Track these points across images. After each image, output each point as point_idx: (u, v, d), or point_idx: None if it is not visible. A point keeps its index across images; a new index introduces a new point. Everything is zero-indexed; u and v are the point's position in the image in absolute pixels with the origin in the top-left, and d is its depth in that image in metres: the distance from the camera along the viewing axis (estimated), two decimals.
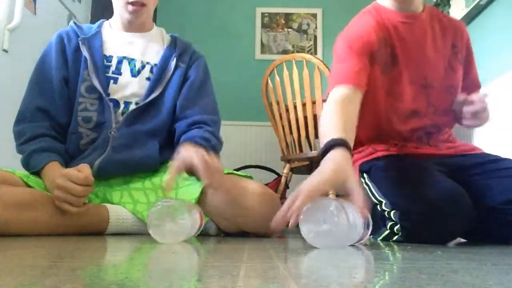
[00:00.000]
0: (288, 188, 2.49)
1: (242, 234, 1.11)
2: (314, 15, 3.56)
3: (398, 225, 0.98)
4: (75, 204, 1.02)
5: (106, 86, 1.23)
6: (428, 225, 0.93)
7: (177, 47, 1.34)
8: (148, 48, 1.33)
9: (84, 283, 0.38)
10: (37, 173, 1.12)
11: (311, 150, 2.25)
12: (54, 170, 1.09)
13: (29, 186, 1.07)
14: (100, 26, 1.33)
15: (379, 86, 1.17)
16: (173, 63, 1.30)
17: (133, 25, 1.33)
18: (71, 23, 1.33)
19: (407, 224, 0.96)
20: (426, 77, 1.19)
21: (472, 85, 1.29)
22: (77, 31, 1.29)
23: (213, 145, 1.19)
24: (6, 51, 1.86)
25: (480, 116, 1.16)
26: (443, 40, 1.23)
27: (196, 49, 1.40)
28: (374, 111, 1.18)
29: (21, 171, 1.13)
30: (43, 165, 1.11)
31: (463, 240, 1.15)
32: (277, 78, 2.33)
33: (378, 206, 1.04)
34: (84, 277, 0.42)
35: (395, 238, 1.00)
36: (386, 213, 1.01)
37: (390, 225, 1.00)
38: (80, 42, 1.25)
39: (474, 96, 1.15)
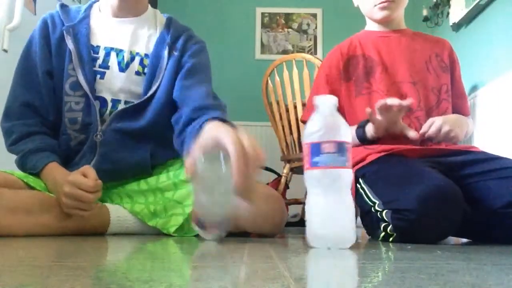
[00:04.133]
0: (288, 188, 2.49)
1: (242, 234, 1.11)
2: (314, 15, 3.56)
3: (391, 225, 0.98)
4: (85, 209, 1.01)
5: (92, 82, 1.13)
6: (419, 222, 0.92)
7: (170, 34, 1.21)
8: (139, 35, 1.21)
9: (84, 283, 0.38)
10: (36, 173, 1.09)
11: None
12: (55, 172, 1.06)
13: (29, 186, 1.06)
14: (88, 9, 1.22)
15: (369, 87, 1.28)
16: (165, 52, 1.18)
17: (124, 6, 1.21)
18: (57, 6, 1.20)
19: (399, 223, 0.96)
20: (410, 75, 1.28)
21: (459, 96, 1.35)
22: (63, 18, 1.17)
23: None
24: (6, 51, 1.86)
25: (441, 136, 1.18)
26: (423, 47, 1.34)
27: (193, 34, 1.26)
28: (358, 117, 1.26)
29: (19, 172, 1.12)
30: (41, 166, 1.07)
31: (463, 240, 1.15)
32: (277, 78, 2.33)
33: (372, 208, 1.04)
34: (84, 277, 0.42)
35: (390, 239, 1.00)
36: (378, 213, 1.01)
37: (384, 226, 1.00)
38: (64, 32, 1.15)
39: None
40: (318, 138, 0.77)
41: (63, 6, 1.21)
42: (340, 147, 0.77)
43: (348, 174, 0.78)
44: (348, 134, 0.80)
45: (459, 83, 1.37)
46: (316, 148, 0.77)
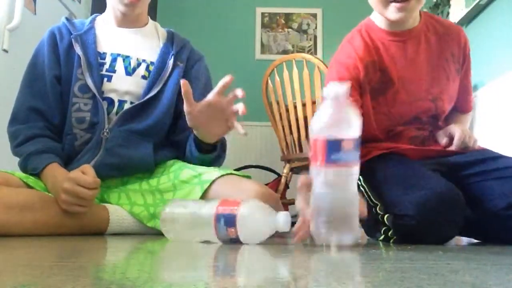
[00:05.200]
0: (288, 188, 2.49)
1: None
2: (314, 15, 3.56)
3: (392, 230, 0.97)
4: (83, 205, 1.02)
5: (99, 85, 1.20)
6: (419, 228, 0.91)
7: (174, 45, 1.30)
8: (143, 44, 1.30)
9: (84, 283, 0.38)
10: (37, 174, 1.11)
11: None
12: (55, 172, 1.08)
13: (29, 186, 1.07)
14: (92, 22, 1.30)
15: (374, 107, 1.17)
16: (170, 62, 1.26)
17: (127, 19, 1.29)
18: (63, 18, 1.29)
19: (399, 228, 0.95)
20: (429, 91, 1.18)
21: (464, 90, 1.29)
22: (70, 28, 1.25)
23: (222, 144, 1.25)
24: (6, 51, 1.86)
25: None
26: (439, 51, 1.21)
27: (193, 46, 1.37)
28: (369, 129, 1.16)
29: (20, 173, 1.13)
30: (42, 167, 1.09)
31: (464, 240, 1.15)
32: (277, 78, 2.33)
33: (373, 209, 1.03)
34: (84, 277, 0.42)
35: (390, 241, 0.99)
36: (380, 217, 1.00)
37: (384, 230, 0.99)
38: (73, 40, 1.22)
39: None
40: (333, 132, 0.74)
41: (68, 19, 1.28)
42: (356, 143, 0.75)
43: (357, 169, 0.76)
44: (358, 126, 0.76)
45: (468, 77, 1.30)
46: (336, 146, 0.73)
